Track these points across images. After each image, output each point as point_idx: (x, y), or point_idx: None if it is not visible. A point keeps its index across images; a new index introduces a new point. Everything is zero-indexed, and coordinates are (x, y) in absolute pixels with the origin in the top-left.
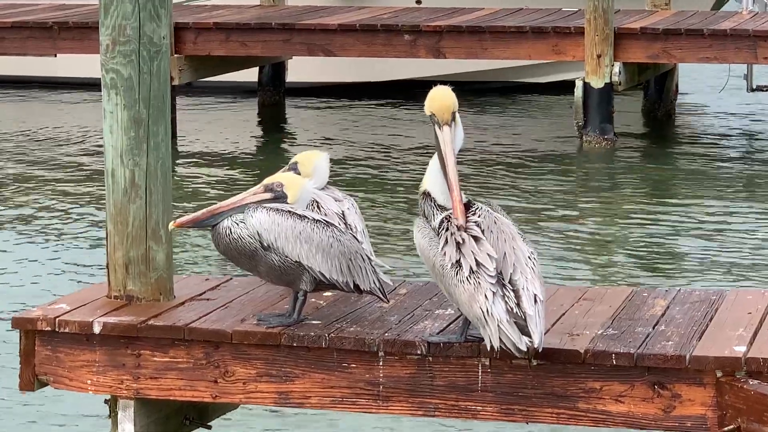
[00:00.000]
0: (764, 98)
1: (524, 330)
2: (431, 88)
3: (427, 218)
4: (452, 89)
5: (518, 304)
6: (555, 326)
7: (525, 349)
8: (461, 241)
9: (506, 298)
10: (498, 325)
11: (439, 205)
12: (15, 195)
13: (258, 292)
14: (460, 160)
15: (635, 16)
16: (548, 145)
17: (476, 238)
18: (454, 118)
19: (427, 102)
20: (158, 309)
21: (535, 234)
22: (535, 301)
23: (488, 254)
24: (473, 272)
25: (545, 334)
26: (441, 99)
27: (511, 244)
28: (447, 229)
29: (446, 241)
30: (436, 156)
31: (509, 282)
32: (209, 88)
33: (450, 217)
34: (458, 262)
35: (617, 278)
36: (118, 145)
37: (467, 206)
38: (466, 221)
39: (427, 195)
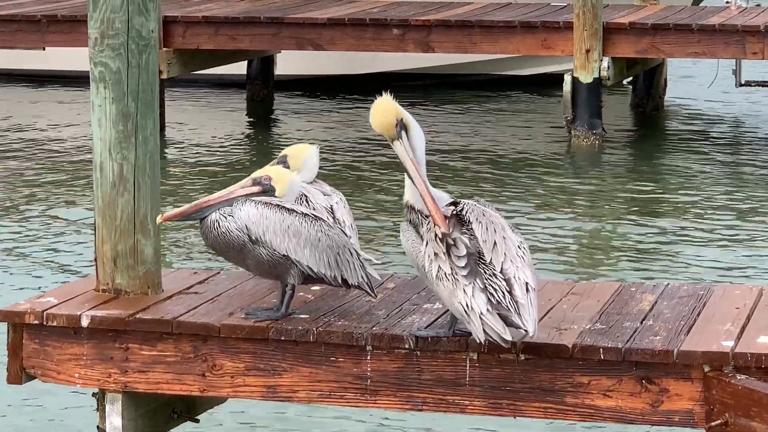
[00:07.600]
0: (752, 94)
1: (508, 320)
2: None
3: (414, 226)
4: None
5: (510, 293)
6: (543, 320)
7: (510, 339)
8: (441, 240)
9: (496, 288)
10: (480, 317)
11: (426, 215)
12: (1, 188)
13: (246, 286)
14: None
15: (624, 11)
16: (536, 140)
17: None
18: (403, 126)
19: (370, 120)
20: (146, 302)
21: (523, 228)
22: (527, 289)
23: (457, 239)
24: (451, 269)
25: None
26: (381, 116)
27: (501, 234)
28: (429, 231)
29: (426, 243)
30: None
31: (500, 271)
32: (198, 81)
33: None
34: (436, 261)
35: (605, 273)
36: (107, 139)
37: (453, 205)
38: (448, 218)
39: (411, 207)
